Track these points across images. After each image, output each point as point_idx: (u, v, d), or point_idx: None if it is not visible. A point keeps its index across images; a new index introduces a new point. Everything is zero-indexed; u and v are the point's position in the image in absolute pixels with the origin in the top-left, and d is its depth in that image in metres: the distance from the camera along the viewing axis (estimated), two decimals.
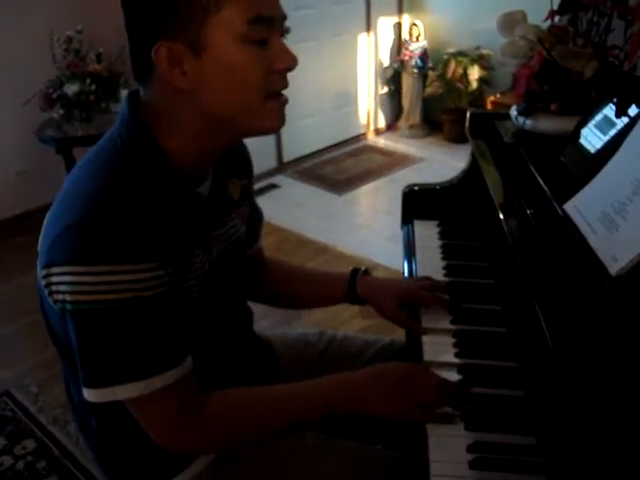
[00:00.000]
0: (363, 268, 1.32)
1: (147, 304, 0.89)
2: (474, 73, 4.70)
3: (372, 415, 1.02)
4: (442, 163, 4.44)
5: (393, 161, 4.75)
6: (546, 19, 1.38)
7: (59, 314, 0.94)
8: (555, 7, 1.37)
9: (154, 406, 0.94)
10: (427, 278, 1.34)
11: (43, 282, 0.92)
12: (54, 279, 0.89)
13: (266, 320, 2.60)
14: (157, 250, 0.90)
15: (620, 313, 0.81)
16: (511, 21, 1.35)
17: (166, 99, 0.94)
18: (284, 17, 0.94)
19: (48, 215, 0.95)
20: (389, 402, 1.01)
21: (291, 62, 0.93)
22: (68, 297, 0.87)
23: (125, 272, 0.86)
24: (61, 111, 3.35)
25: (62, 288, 0.88)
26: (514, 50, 1.32)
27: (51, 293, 0.91)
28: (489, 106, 4.49)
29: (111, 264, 0.85)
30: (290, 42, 0.94)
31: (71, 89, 3.28)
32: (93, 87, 3.30)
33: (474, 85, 4.74)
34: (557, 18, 1.39)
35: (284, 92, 0.96)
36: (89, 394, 0.93)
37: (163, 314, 0.92)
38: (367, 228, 3.75)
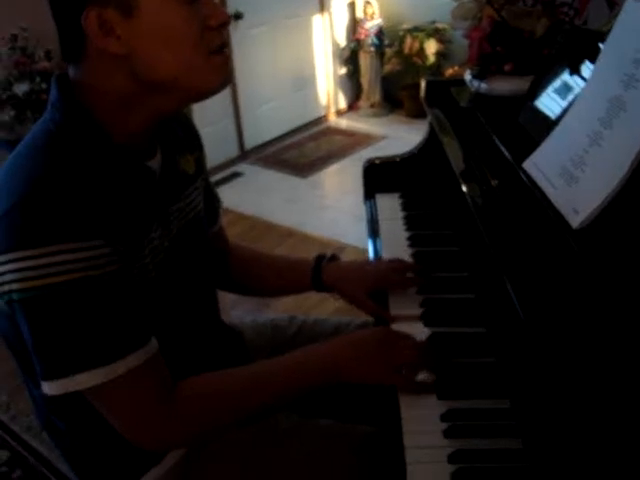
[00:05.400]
0: (329, 254, 1.28)
1: (97, 284, 0.85)
2: (431, 47, 4.69)
3: (355, 381, 1.00)
4: (405, 140, 4.36)
5: (356, 141, 4.72)
6: None
7: (5, 310, 0.89)
8: None
9: (119, 393, 0.89)
10: (398, 260, 1.29)
11: None
12: None
13: (236, 310, 2.57)
14: (101, 227, 0.85)
15: (583, 266, 0.79)
16: None
17: (100, 72, 0.90)
18: None
19: None
20: (371, 366, 0.99)
21: (224, 17, 0.90)
22: (14, 286, 0.83)
23: (67, 251, 0.82)
24: (12, 112, 3.24)
25: (7, 278, 0.83)
26: (464, 12, 1.30)
27: None
28: None
29: (51, 244, 0.81)
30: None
31: (21, 89, 3.19)
32: (44, 85, 3.21)
33: (432, 59, 4.73)
34: None
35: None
36: (49, 387, 0.87)
37: (116, 294, 0.87)
38: (334, 209, 3.73)
